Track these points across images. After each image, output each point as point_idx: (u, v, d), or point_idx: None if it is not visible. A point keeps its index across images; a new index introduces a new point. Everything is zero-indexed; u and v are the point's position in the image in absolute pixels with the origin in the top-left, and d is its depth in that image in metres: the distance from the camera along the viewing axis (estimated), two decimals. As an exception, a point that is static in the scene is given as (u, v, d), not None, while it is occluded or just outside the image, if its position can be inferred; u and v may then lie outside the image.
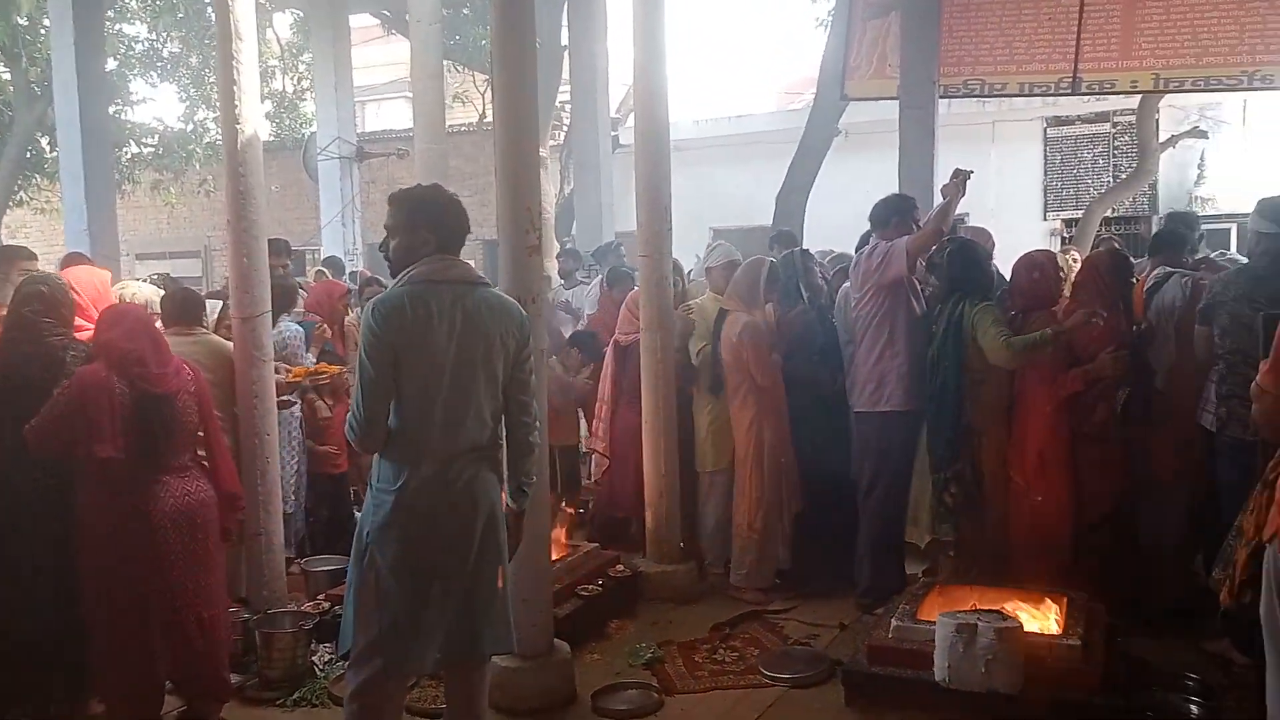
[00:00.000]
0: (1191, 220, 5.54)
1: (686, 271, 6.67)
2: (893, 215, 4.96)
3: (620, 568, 5.03)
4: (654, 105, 5.03)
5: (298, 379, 4.34)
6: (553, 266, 9.22)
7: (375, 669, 2.86)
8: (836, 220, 9.38)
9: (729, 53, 34.20)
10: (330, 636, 4.03)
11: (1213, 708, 3.65)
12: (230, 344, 4.38)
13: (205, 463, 3.64)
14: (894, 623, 3.89)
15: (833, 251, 6.71)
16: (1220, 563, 3.14)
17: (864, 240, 5.43)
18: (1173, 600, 4.44)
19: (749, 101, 16.59)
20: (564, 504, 5.55)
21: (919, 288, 4.95)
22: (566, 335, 6.52)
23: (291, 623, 4.18)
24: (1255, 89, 6.70)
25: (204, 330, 4.55)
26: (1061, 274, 5.36)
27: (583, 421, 6.25)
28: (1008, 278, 4.93)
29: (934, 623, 3.68)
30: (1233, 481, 4.21)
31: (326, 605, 4.40)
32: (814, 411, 5.13)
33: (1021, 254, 4.77)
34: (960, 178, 4.74)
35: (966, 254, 4.73)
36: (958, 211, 4.98)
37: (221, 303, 4.80)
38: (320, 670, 4.12)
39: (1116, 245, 6.23)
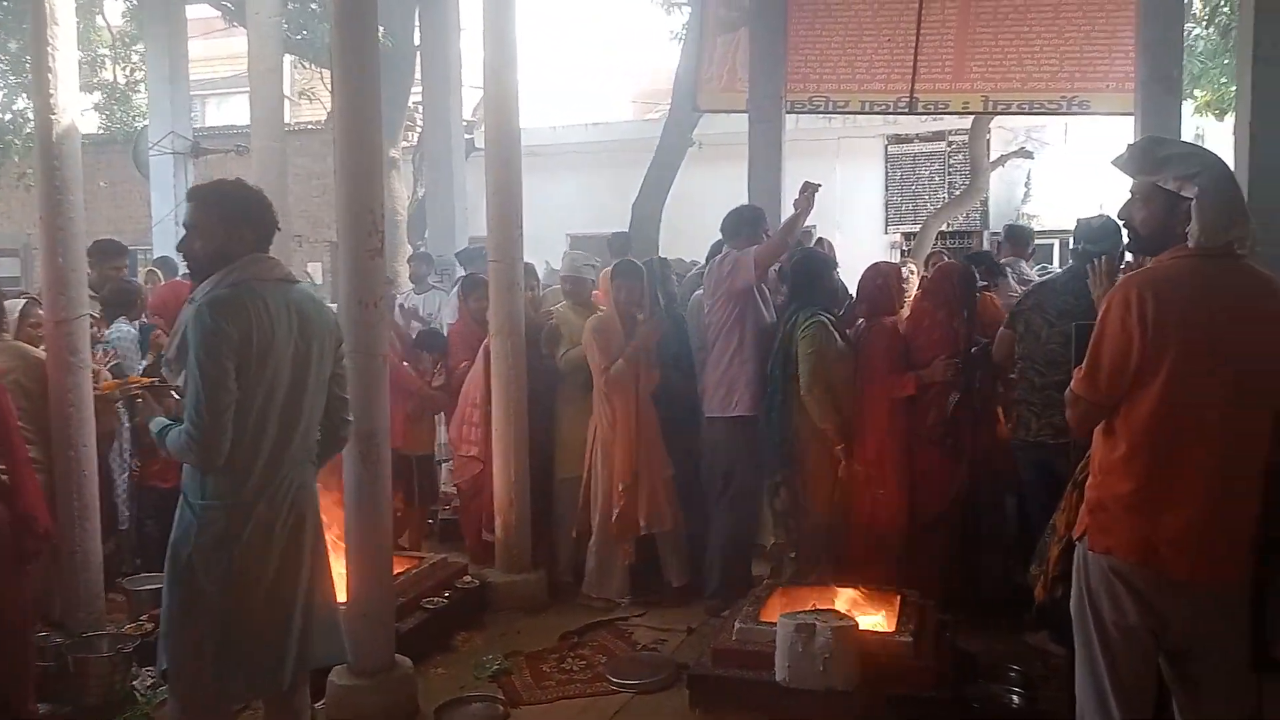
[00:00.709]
0: (1025, 233, 6.00)
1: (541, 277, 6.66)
2: (743, 226, 5.07)
3: (468, 578, 4.94)
4: (505, 108, 4.97)
5: (110, 389, 4.04)
6: (404, 270, 9.01)
7: (204, 694, 2.70)
8: (691, 228, 9.56)
9: (589, 60, 34.29)
10: (153, 659, 3.79)
11: (1032, 697, 3.85)
12: (37, 348, 4.07)
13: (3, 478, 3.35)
14: (737, 625, 3.95)
15: (698, 262, 6.78)
16: (1036, 559, 3.31)
17: (715, 250, 5.54)
18: (999, 595, 4.69)
19: (609, 109, 16.67)
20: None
21: (769, 296, 5.06)
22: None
23: (109, 646, 3.92)
24: (1073, 113, 7.19)
25: (5, 334, 4.20)
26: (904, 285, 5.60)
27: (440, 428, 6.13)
28: (853, 288, 5.10)
29: (775, 624, 3.75)
30: (1029, 480, 4.51)
31: (149, 626, 4.14)
32: (671, 417, 5.17)
33: (868, 265, 4.98)
34: (809, 191, 4.86)
35: (808, 265, 4.88)
36: (805, 224, 5.13)
37: (23, 303, 4.44)
38: (142, 696, 3.88)
39: (946, 257, 6.55)
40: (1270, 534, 2.80)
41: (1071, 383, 2.52)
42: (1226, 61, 7.55)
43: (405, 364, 5.71)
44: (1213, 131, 11.46)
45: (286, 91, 18.91)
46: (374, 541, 3.74)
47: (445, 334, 6.23)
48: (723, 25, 7.61)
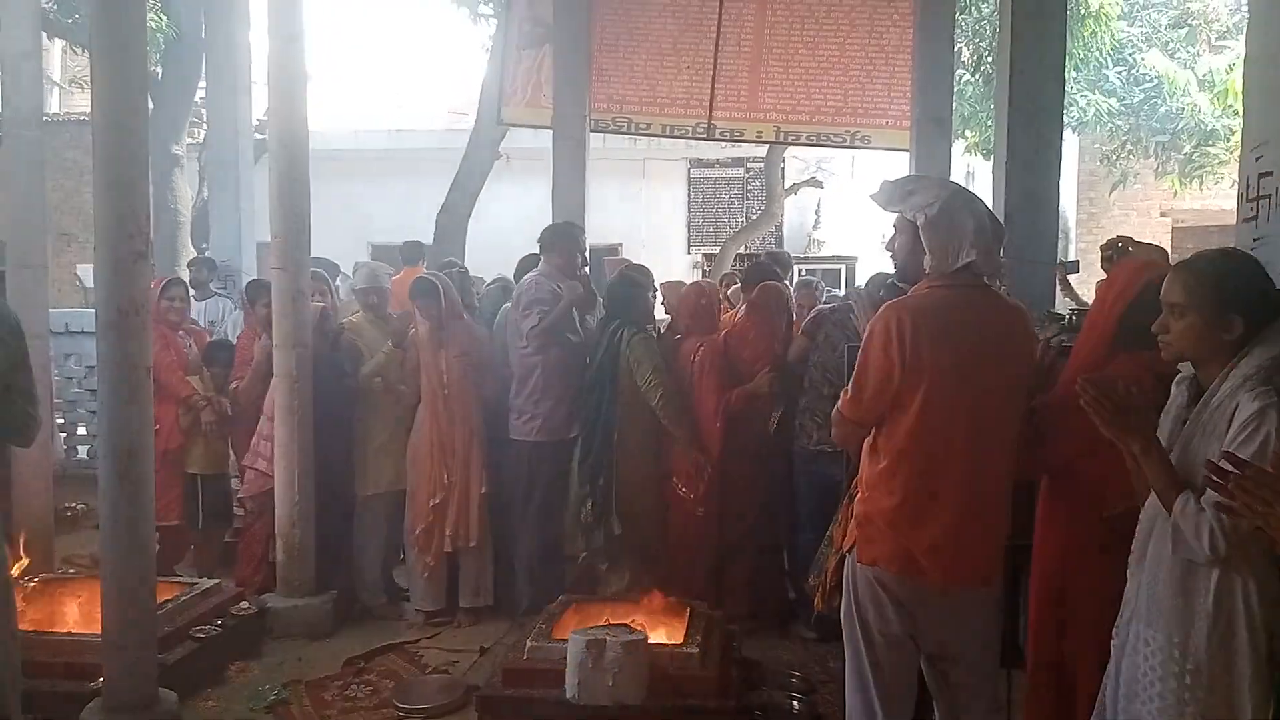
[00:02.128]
0: (784, 260, 6.38)
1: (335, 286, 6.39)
2: (557, 240, 5.08)
3: (245, 604, 4.65)
4: (291, 106, 4.74)
5: None
6: (184, 275, 8.43)
7: None
8: (497, 240, 9.48)
9: (400, 67, 33.49)
10: None
11: (812, 703, 4.01)
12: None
13: None
14: (529, 643, 3.90)
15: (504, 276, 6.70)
16: (815, 570, 3.45)
17: (524, 264, 5.50)
18: (786, 604, 4.90)
19: (419, 118, 16.25)
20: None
21: (576, 319, 5.06)
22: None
23: None
24: (856, 147, 7.64)
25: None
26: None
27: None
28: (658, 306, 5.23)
29: (567, 641, 3.73)
30: (806, 488, 4.74)
31: None
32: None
33: (670, 282, 5.15)
34: (573, 291, 4.93)
35: (628, 284, 4.93)
36: (612, 242, 5.18)
37: None
38: None
39: (738, 279, 6.79)
40: (1017, 543, 3.06)
41: (839, 402, 2.65)
42: (991, 106, 8.25)
43: (195, 378, 5.35)
44: (981, 170, 12.48)
45: (56, 78, 17.42)
46: (132, 566, 3.45)
47: (232, 346, 5.84)
48: (528, 40, 7.61)
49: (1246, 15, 2.53)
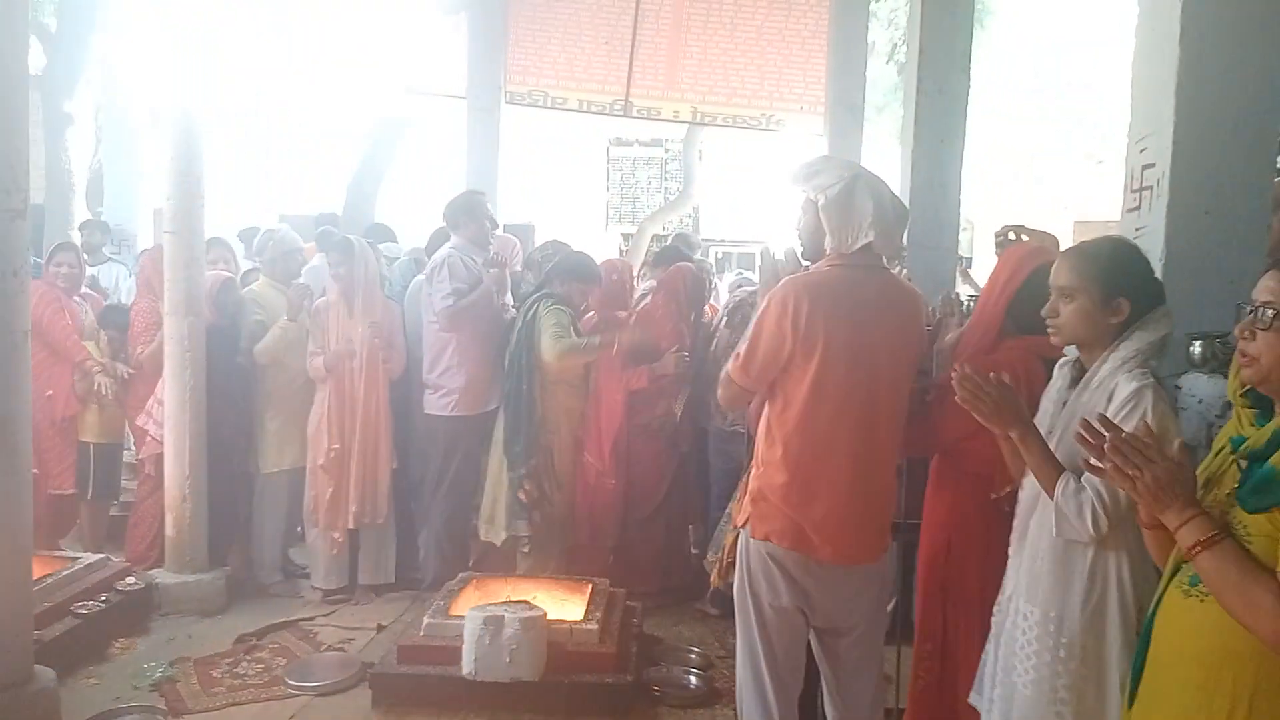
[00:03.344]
0: (692, 241, 6.39)
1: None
2: (462, 214, 4.97)
3: (131, 580, 4.50)
4: (186, 65, 4.55)
5: None
6: (77, 238, 8.06)
7: None
8: (408, 210, 9.32)
9: (314, 33, 32.41)
10: None
11: (709, 678, 4.05)
12: None
13: None
14: (426, 620, 3.86)
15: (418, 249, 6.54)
16: (713, 546, 3.48)
17: (437, 237, 5.40)
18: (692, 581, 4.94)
19: (334, 85, 15.81)
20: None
21: (497, 297, 4.98)
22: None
23: None
24: (771, 130, 7.68)
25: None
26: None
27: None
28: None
29: (464, 618, 3.70)
30: (718, 467, 4.79)
31: None
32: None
33: (603, 260, 5.09)
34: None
35: (566, 265, 4.83)
36: (527, 222, 5.11)
37: None
38: None
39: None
40: (910, 521, 3.14)
41: (728, 365, 2.67)
42: (902, 94, 8.42)
43: (92, 343, 5.14)
44: (897, 157, 12.67)
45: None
46: (8, 539, 3.29)
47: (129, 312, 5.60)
48: (442, 8, 7.45)
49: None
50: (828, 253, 2.58)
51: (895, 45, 10.49)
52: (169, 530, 4.67)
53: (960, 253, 7.20)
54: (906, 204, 4.94)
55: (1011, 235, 3.42)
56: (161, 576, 4.65)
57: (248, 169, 15.36)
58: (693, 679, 4.04)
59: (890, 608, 3.85)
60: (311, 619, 4.66)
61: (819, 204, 2.53)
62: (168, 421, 4.60)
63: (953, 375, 2.17)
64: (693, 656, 4.28)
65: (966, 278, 5.48)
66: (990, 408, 2.13)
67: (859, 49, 7.00)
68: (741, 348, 2.63)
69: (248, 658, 4.18)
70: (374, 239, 5.24)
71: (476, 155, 6.84)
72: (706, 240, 13.44)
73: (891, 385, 2.60)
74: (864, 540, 2.63)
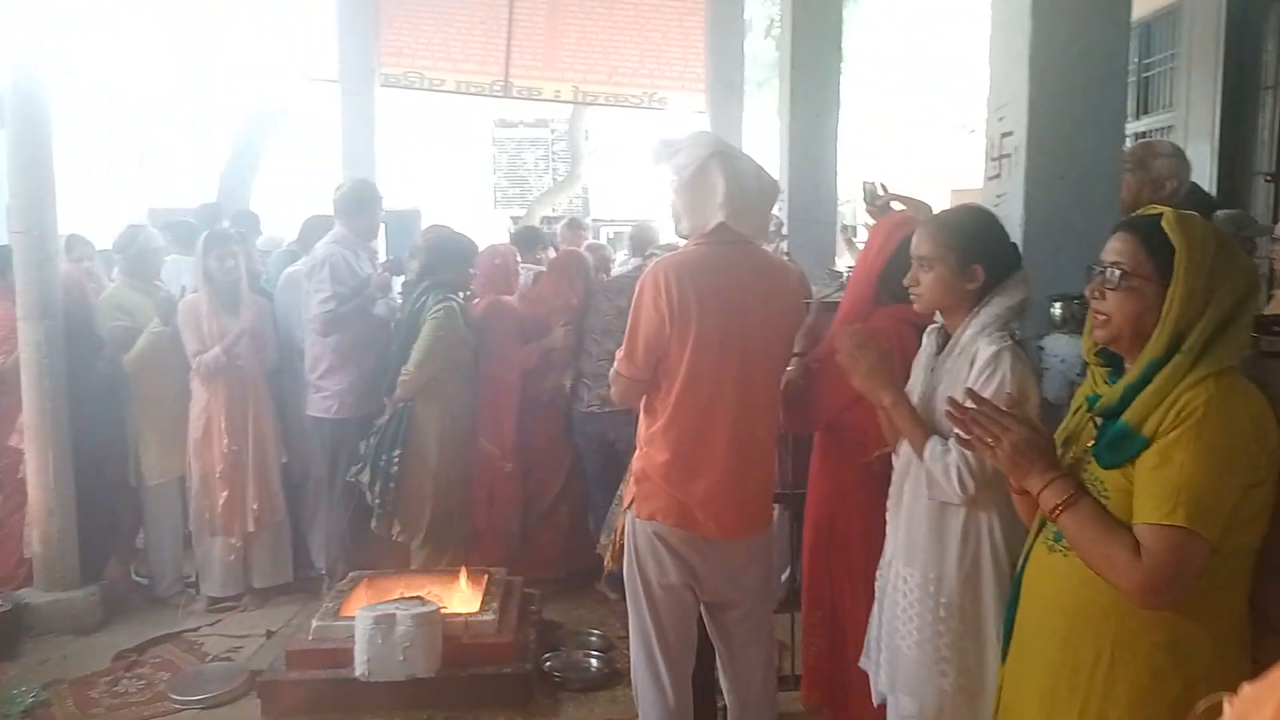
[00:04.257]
0: (583, 223, 6.46)
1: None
2: (353, 204, 4.79)
3: (-3, 601, 4.25)
4: (30, 48, 4.26)
5: None
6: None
7: None
8: (284, 198, 9.00)
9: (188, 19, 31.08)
10: None
11: (610, 659, 4.05)
12: None
13: None
14: (315, 624, 3.76)
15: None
16: (606, 529, 3.47)
17: (310, 225, 5.22)
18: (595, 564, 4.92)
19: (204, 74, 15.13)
20: None
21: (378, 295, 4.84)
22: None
23: None
24: (653, 109, 7.66)
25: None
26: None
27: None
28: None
29: (354, 618, 3.61)
30: (586, 450, 4.79)
31: None
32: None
33: (486, 246, 4.97)
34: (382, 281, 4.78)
35: (442, 245, 4.72)
36: (412, 207, 4.97)
37: None
38: None
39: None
40: (798, 492, 3.17)
41: (616, 362, 2.65)
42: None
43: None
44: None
45: None
46: None
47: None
48: (313, -13, 7.19)
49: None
50: (688, 232, 2.58)
51: (772, 20, 10.59)
52: (36, 546, 4.42)
53: (845, 223, 7.34)
54: (785, 179, 5.04)
55: (880, 190, 3.48)
56: (30, 596, 4.40)
57: (116, 162, 14.63)
58: (593, 662, 4.04)
59: (785, 577, 3.94)
60: (196, 629, 4.48)
61: (673, 185, 2.53)
62: (28, 432, 4.34)
63: (835, 340, 2.20)
64: (593, 639, 4.28)
65: (852, 247, 5.57)
66: (864, 373, 2.18)
67: (736, 26, 7.04)
68: (625, 342, 2.61)
69: (128, 675, 4.00)
70: (241, 228, 5.02)
71: (352, 140, 6.63)
72: (598, 220, 13.36)
73: (767, 359, 2.62)
74: (747, 514, 2.65)
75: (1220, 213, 4.59)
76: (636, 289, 2.60)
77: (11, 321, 4.57)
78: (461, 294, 4.73)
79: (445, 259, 4.65)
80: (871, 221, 3.82)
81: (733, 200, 2.49)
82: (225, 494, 4.60)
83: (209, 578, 4.74)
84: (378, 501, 4.43)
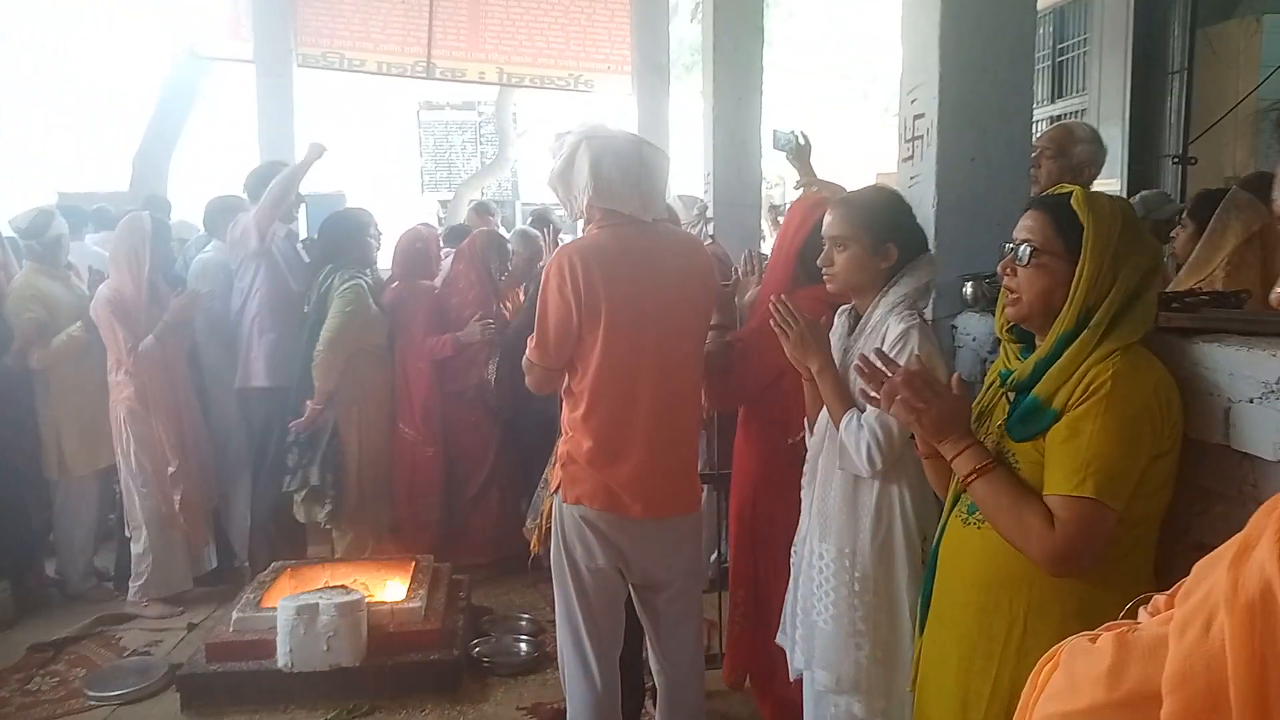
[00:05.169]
0: (489, 207, 6.45)
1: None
2: (262, 186, 4.70)
3: (-103, 602, 4.07)
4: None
5: None
6: None
7: None
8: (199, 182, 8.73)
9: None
10: None
11: (539, 643, 4.04)
12: None
13: None
14: (235, 615, 3.68)
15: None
16: (532, 513, 3.46)
17: (215, 206, 5.08)
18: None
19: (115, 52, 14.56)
20: None
21: (292, 262, 4.78)
22: None
23: None
24: (580, 91, 7.59)
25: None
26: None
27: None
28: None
29: (276, 609, 3.54)
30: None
31: None
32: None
33: (406, 229, 4.91)
34: (316, 151, 4.68)
35: (339, 225, 4.66)
36: (336, 190, 4.88)
37: None
38: None
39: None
40: (724, 472, 3.20)
41: (528, 350, 2.63)
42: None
43: None
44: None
45: None
46: None
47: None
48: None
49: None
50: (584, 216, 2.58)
51: (697, 4, 10.60)
52: (-60, 544, 4.24)
53: (774, 203, 7.39)
54: (710, 162, 5.06)
55: (799, 139, 3.52)
56: (-66, 594, 4.23)
57: (21, 144, 14.05)
58: (523, 646, 4.03)
59: (713, 558, 3.98)
60: (117, 624, 4.35)
61: (549, 175, 2.55)
62: (-73, 426, 4.15)
63: (763, 309, 2.22)
64: (523, 624, 4.27)
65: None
66: (796, 338, 2.21)
67: (660, 8, 7.02)
68: (534, 330, 2.60)
69: (41, 671, 3.88)
70: (153, 212, 4.86)
71: (269, 121, 6.45)
72: (527, 204, 13.25)
73: (683, 337, 2.62)
74: (673, 493, 2.66)
75: (1141, 194, 4.75)
76: (542, 277, 2.58)
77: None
78: (368, 271, 4.67)
79: (339, 235, 4.61)
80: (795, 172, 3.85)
81: (599, 181, 2.48)
82: (179, 491, 4.42)
83: (153, 577, 4.46)
84: (331, 493, 4.42)
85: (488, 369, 4.76)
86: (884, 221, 2.19)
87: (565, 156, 2.51)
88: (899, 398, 1.72)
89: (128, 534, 4.51)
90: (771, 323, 2.27)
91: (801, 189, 3.65)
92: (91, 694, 3.66)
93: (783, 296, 2.28)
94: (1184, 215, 3.52)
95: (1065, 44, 7.24)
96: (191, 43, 7.69)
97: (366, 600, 3.66)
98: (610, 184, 2.48)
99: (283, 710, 3.48)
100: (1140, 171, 6.42)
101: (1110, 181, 6.02)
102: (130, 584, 4.48)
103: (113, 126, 11.73)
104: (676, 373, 2.60)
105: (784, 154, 3.80)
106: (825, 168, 3.81)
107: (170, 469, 4.40)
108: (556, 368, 2.61)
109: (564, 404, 2.67)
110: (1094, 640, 0.86)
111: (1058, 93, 7.32)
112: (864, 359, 1.83)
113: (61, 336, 4.45)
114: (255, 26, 6.52)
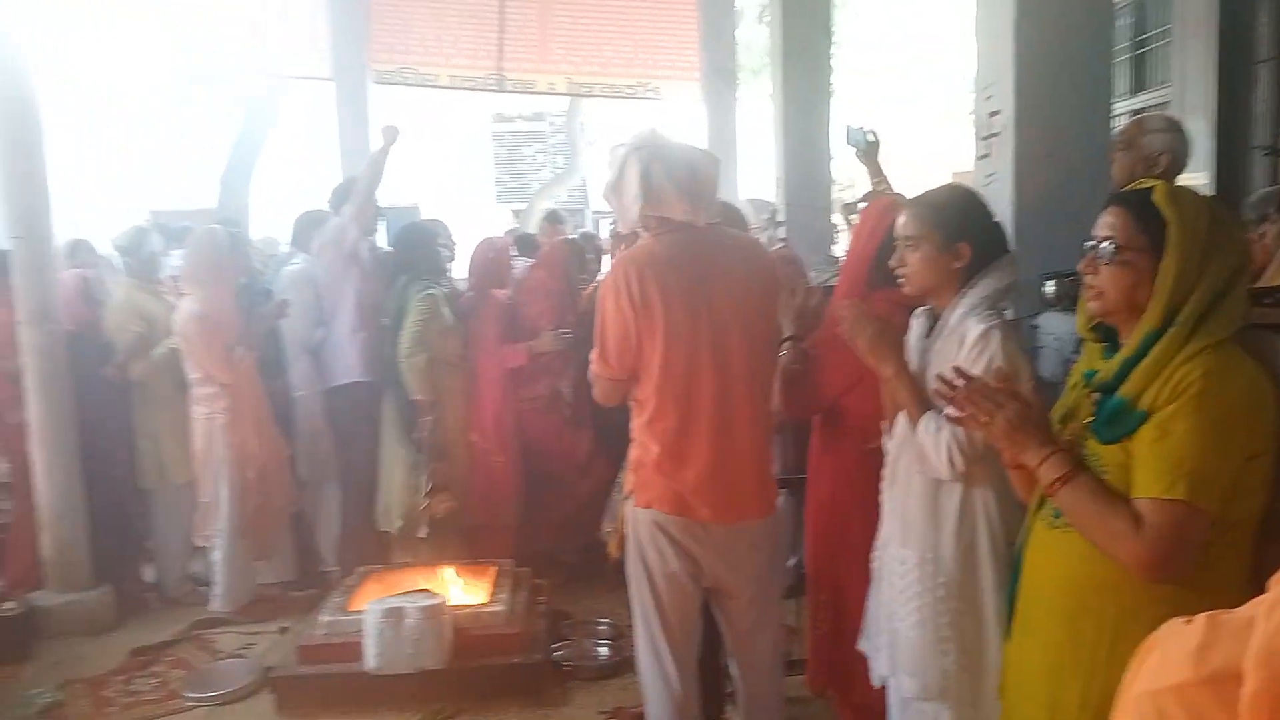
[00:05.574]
0: (561, 215, 6.47)
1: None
2: (346, 200, 4.86)
3: (9, 604, 4.28)
4: (20, 56, 4.28)
5: None
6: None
7: None
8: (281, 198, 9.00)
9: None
10: None
11: (619, 647, 4.06)
12: None
13: None
14: (325, 619, 3.78)
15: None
16: (609, 517, 3.49)
17: (303, 223, 5.24)
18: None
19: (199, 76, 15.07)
20: None
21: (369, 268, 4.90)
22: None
23: None
24: (646, 98, 7.63)
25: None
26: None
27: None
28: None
29: (364, 612, 3.63)
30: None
31: None
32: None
33: (481, 239, 4.99)
34: (391, 134, 4.79)
35: (410, 236, 4.77)
36: (412, 203, 4.98)
37: None
38: None
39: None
40: (799, 475, 3.19)
41: (592, 363, 2.66)
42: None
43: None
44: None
45: None
46: None
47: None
48: (304, -15, 7.18)
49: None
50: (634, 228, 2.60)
51: (764, 7, 10.56)
52: (46, 550, 4.45)
53: (847, 201, 7.31)
54: (779, 166, 5.04)
55: (869, 136, 3.49)
56: (43, 598, 4.43)
57: (113, 164, 14.64)
58: (603, 651, 4.06)
59: (791, 563, 3.95)
60: (211, 628, 4.51)
61: (603, 190, 2.58)
62: (34, 437, 4.36)
63: (836, 313, 2.21)
64: (602, 628, 4.29)
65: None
66: (868, 341, 2.18)
67: (726, 11, 7.02)
68: (596, 345, 2.63)
69: (142, 674, 4.04)
70: (228, 226, 5.04)
71: (348, 138, 6.64)
72: (598, 213, 13.35)
73: (746, 339, 2.59)
74: (739, 498, 2.63)
75: (1262, 191, 4.57)
76: (601, 289, 2.61)
77: (12, 326, 4.61)
78: (442, 281, 4.75)
79: (411, 246, 4.71)
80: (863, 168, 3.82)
81: (649, 189, 2.49)
82: (259, 500, 4.56)
83: (228, 588, 4.60)
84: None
85: (561, 380, 4.78)
86: (955, 220, 2.17)
87: (616, 169, 2.54)
88: (969, 410, 1.71)
89: (205, 544, 4.62)
90: (841, 329, 2.24)
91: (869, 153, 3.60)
92: (190, 695, 3.80)
93: (852, 301, 2.26)
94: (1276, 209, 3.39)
95: (1146, 35, 7.03)
96: (272, 63, 7.94)
97: (449, 604, 3.73)
98: (660, 191, 2.50)
99: (372, 712, 3.57)
100: (1228, 164, 6.20)
101: (1197, 175, 5.82)
102: (211, 591, 4.62)
103: (200, 146, 12.13)
104: (739, 375, 2.58)
105: (854, 151, 3.77)
106: (891, 168, 3.76)
107: (252, 476, 4.54)
108: (620, 378, 2.63)
109: (634, 409, 2.69)
110: (1189, 622, 0.86)
111: (1139, 85, 7.11)
112: (940, 378, 1.81)
113: (160, 349, 4.64)
114: (333, 47, 6.70)
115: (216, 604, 4.59)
